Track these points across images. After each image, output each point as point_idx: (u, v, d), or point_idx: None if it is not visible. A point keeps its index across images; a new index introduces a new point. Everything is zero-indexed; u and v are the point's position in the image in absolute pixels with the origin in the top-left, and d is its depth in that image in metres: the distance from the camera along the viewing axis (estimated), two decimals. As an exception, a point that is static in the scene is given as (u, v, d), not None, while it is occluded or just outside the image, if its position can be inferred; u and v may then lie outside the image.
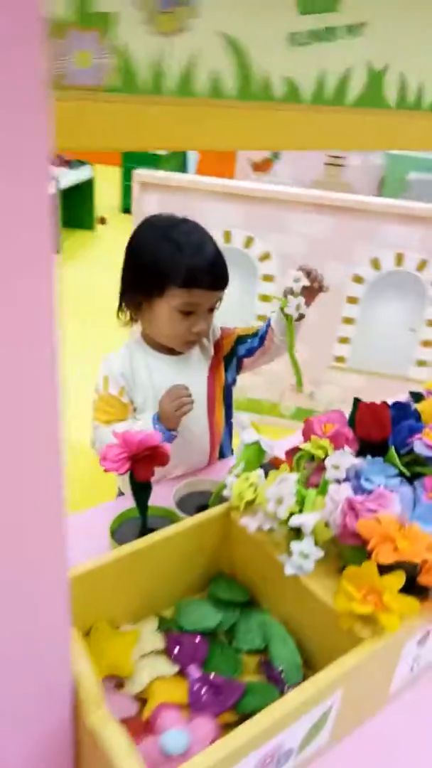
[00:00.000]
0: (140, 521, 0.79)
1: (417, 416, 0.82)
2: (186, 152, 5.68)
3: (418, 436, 0.78)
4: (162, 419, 0.97)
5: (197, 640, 0.69)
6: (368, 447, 0.82)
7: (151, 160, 4.73)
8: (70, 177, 4.06)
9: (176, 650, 0.67)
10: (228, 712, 0.62)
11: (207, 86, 0.37)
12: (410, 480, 0.78)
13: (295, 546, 0.66)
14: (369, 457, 0.79)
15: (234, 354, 1.12)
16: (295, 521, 0.66)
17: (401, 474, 0.77)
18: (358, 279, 2.00)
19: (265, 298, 2.07)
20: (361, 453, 0.82)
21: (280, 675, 0.66)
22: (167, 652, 0.67)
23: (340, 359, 2.15)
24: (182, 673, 0.66)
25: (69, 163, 4.26)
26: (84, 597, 0.67)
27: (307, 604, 0.67)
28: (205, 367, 1.11)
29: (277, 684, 0.66)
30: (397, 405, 0.83)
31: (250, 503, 0.73)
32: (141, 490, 0.77)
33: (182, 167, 5.63)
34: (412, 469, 0.79)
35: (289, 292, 1.00)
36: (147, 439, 0.75)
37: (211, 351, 1.12)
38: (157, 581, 0.74)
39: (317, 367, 2.17)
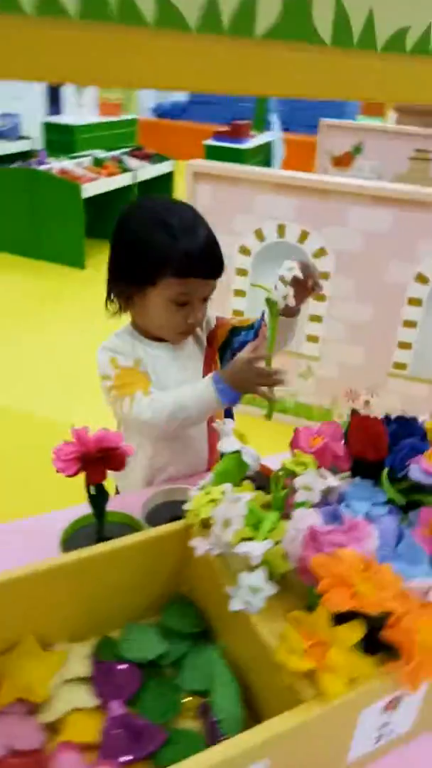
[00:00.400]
0: (96, 529, 0.72)
1: (423, 434, 0.70)
2: (271, 149, 5.57)
3: (418, 458, 0.65)
4: (230, 378, 0.87)
5: (129, 671, 0.61)
6: (362, 467, 0.70)
7: (235, 156, 4.67)
8: (149, 170, 4.07)
9: (101, 680, 0.59)
10: (142, 761, 0.54)
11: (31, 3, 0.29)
12: (405, 509, 0.66)
13: (244, 578, 0.57)
14: (357, 479, 0.68)
15: (228, 346, 1.03)
16: (240, 549, 0.56)
17: (392, 501, 0.65)
18: (421, 278, 1.83)
19: (320, 298, 1.94)
20: (354, 473, 0.71)
21: (217, 726, 0.57)
22: (93, 680, 0.60)
23: (399, 366, 1.98)
24: (105, 708, 0.58)
25: (150, 158, 4.28)
26: (9, 607, 0.61)
27: (254, 648, 0.57)
28: (200, 357, 1.04)
29: (210, 736, 0.57)
30: (400, 420, 0.71)
31: (206, 522, 0.64)
32: (96, 494, 0.70)
33: (268, 163, 5.53)
34: (411, 497, 0.67)
35: (280, 280, 0.89)
36: (104, 438, 0.68)
37: (205, 341, 1.04)
38: (104, 598, 0.67)
39: (373, 374, 2.02)
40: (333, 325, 2.00)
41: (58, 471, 0.67)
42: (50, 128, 4.74)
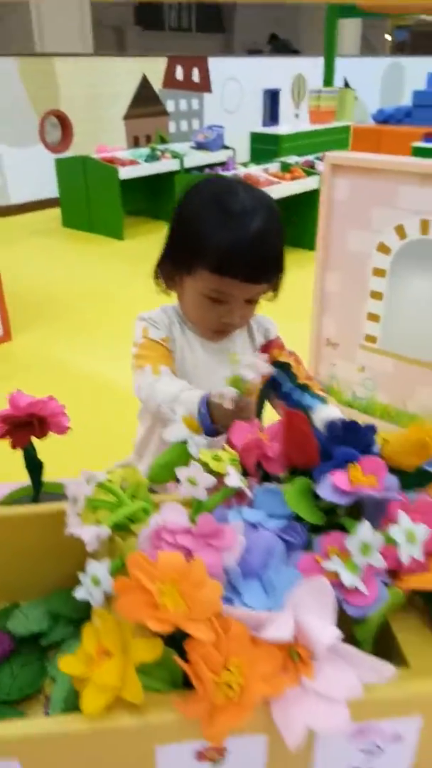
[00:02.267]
0: (33, 498, 0.72)
1: (369, 444, 0.56)
2: None
3: (336, 471, 0.52)
4: (214, 412, 0.77)
5: (-2, 640, 0.59)
6: (297, 475, 0.59)
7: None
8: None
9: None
10: None
11: None
12: (321, 530, 0.53)
13: (90, 566, 0.51)
14: (274, 485, 0.57)
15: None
16: (75, 530, 0.51)
17: (301, 519, 0.53)
18: None
19: (462, 303, 1.68)
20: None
21: (47, 719, 0.53)
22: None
23: None
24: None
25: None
26: None
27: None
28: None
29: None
30: (350, 426, 0.57)
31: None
32: (27, 462, 0.70)
33: None
34: (336, 520, 0.54)
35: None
36: (37, 405, 0.68)
37: (258, 345, 0.96)
38: (16, 564, 0.66)
39: None
40: None
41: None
42: (256, 138, 4.89)
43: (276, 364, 0.94)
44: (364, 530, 0.44)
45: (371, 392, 1.97)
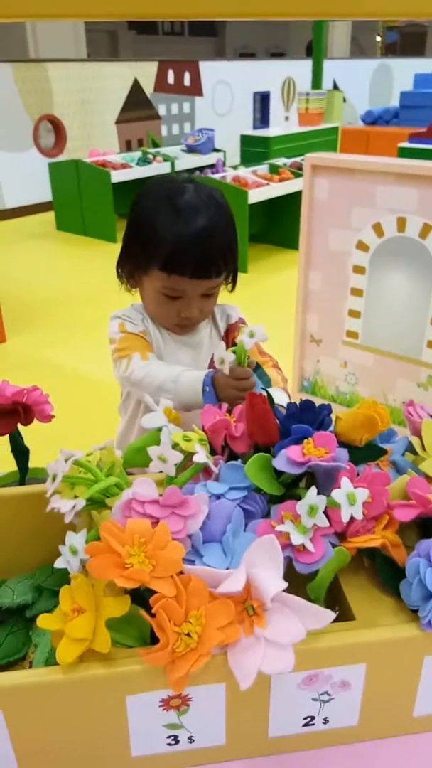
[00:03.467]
0: (19, 484, 0.76)
1: (323, 422, 0.60)
2: None
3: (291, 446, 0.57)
4: (217, 387, 0.80)
5: (-15, 610, 0.64)
6: (260, 452, 0.63)
7: (431, 158, 4.37)
8: None
9: None
10: None
11: None
12: (282, 500, 0.58)
13: (69, 537, 0.56)
14: (238, 462, 0.62)
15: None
16: (53, 503, 0.55)
17: (261, 491, 0.58)
18: None
19: (441, 299, 1.74)
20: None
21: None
22: None
23: None
24: None
25: None
26: None
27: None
28: (215, 345, 1.00)
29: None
30: (307, 405, 0.62)
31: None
32: (15, 448, 0.74)
33: None
34: (296, 492, 0.58)
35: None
36: (21, 394, 0.72)
37: (222, 331, 1.01)
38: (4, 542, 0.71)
39: None
40: (460, 331, 1.77)
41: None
42: (246, 140, 4.95)
43: (233, 344, 0.99)
44: (310, 494, 0.49)
45: (353, 387, 2.02)
